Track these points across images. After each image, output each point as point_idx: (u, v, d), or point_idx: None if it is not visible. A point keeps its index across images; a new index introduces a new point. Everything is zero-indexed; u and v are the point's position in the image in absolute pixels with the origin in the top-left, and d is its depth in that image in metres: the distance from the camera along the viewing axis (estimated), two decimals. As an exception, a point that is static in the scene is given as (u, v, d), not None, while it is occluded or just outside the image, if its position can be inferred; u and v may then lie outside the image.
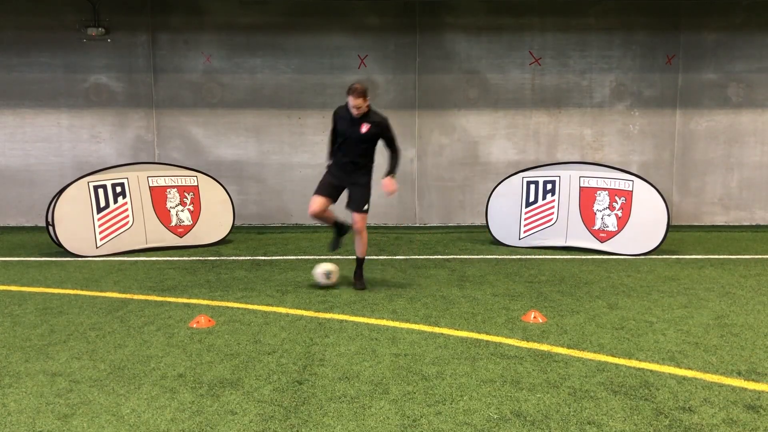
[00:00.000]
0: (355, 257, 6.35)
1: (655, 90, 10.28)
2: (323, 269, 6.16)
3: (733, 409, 3.48)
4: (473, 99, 10.27)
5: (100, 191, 7.79)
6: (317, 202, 6.02)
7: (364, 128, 5.91)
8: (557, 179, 8.17)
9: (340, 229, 6.33)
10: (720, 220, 10.49)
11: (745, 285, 6.29)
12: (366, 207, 6.05)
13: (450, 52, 10.19)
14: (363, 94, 5.78)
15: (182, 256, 7.74)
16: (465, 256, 7.74)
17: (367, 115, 5.92)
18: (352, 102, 5.80)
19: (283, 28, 10.08)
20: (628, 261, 7.43)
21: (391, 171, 6.04)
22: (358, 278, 6.25)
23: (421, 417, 3.39)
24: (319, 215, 6.08)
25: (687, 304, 5.60)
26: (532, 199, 8.28)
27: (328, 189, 6.08)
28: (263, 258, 7.67)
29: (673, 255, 7.78)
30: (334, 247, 6.45)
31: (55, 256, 7.68)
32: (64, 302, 5.67)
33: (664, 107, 10.32)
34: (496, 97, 10.27)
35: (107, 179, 7.88)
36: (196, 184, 8.46)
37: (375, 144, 6.04)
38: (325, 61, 10.14)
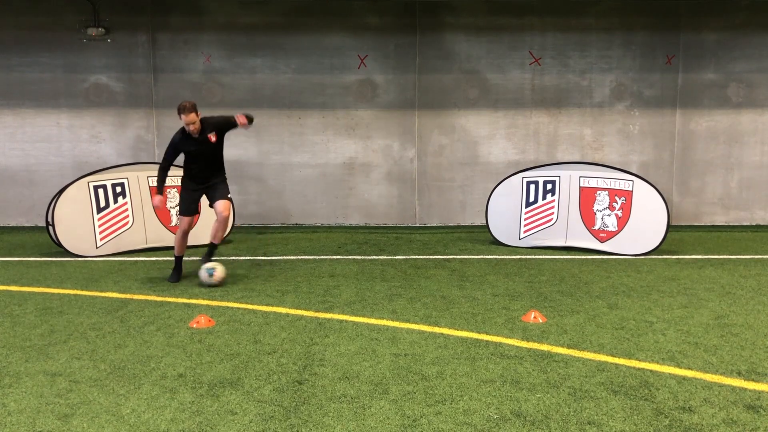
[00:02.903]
0: (209, 244, 6.46)
1: (655, 90, 10.29)
2: (206, 267, 6.21)
3: (733, 409, 3.48)
4: (473, 99, 10.27)
5: (100, 191, 7.79)
6: (188, 221, 6.35)
7: (213, 138, 6.18)
8: (557, 179, 8.17)
9: (179, 266, 6.52)
10: (720, 220, 10.49)
11: (745, 285, 6.29)
12: (229, 195, 6.47)
13: (450, 52, 10.19)
14: (193, 108, 6.01)
15: (182, 256, 7.73)
16: (465, 256, 7.74)
17: (205, 126, 6.15)
18: (185, 119, 5.98)
19: (283, 28, 10.08)
20: (628, 261, 7.43)
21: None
22: (205, 260, 6.37)
23: (421, 417, 3.39)
24: (187, 235, 6.40)
25: (687, 304, 5.60)
26: (532, 199, 8.28)
27: (194, 205, 6.41)
28: (263, 258, 7.67)
29: (673, 255, 7.78)
30: (177, 279, 6.47)
31: (55, 256, 7.68)
32: (64, 302, 5.67)
33: (664, 107, 10.32)
34: (496, 97, 10.27)
35: (107, 179, 7.88)
36: (196, 184, 8.45)
37: (223, 144, 6.35)
38: (325, 61, 10.14)
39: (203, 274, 6.19)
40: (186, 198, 6.37)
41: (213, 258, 6.41)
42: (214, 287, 6.16)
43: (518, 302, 5.64)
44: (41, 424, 3.32)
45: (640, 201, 7.69)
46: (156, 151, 10.13)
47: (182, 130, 6.15)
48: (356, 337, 4.69)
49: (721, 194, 10.44)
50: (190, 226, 6.43)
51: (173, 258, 6.55)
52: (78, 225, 7.61)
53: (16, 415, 3.42)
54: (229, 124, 6.24)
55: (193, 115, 5.97)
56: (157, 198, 6.24)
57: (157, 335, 4.75)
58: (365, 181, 10.33)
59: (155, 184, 6.49)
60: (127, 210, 7.95)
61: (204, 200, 6.50)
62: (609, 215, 7.87)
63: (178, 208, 8.26)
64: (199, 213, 6.54)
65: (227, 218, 6.33)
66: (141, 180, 8.10)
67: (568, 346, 4.48)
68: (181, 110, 5.97)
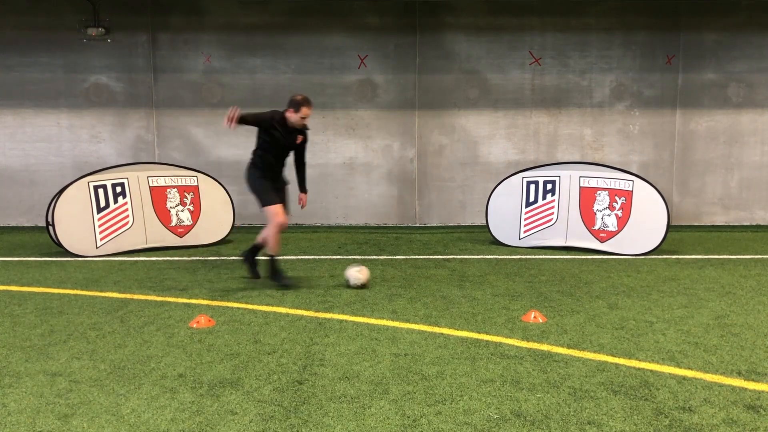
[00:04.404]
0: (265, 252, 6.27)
1: (655, 90, 10.29)
2: (355, 275, 6.11)
3: (733, 409, 3.48)
4: (473, 99, 10.27)
5: (100, 191, 7.79)
6: (280, 209, 6.00)
7: (300, 139, 6.13)
8: (557, 179, 8.17)
9: (255, 255, 6.35)
10: (720, 220, 10.49)
11: (745, 285, 6.29)
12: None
13: (450, 52, 10.19)
14: (312, 105, 6.01)
15: (182, 256, 7.73)
16: (465, 256, 7.74)
17: (303, 128, 6.13)
18: (306, 112, 5.91)
19: (283, 28, 10.08)
20: (628, 261, 7.43)
21: (305, 182, 6.35)
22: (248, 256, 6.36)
23: (421, 417, 3.39)
24: (281, 228, 6.01)
25: (687, 304, 5.60)
26: (532, 199, 8.28)
27: (278, 191, 6.15)
28: (263, 258, 7.66)
29: (673, 255, 7.78)
30: (257, 274, 6.35)
31: (55, 256, 7.68)
32: (64, 302, 5.67)
33: (664, 107, 10.32)
34: (496, 97, 10.27)
35: (107, 179, 7.88)
36: (196, 184, 8.46)
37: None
38: (325, 61, 10.14)
39: (353, 280, 6.11)
40: (263, 184, 6.01)
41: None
42: (360, 288, 6.10)
43: (518, 302, 5.64)
44: (41, 424, 3.32)
45: (640, 201, 7.69)
46: (156, 151, 10.13)
47: (282, 116, 5.98)
48: (356, 337, 4.69)
49: (721, 194, 10.44)
50: (285, 216, 6.00)
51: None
52: (78, 225, 7.61)
53: (16, 415, 3.42)
54: (305, 146, 6.27)
55: (311, 110, 5.96)
56: (232, 109, 5.58)
57: (157, 335, 4.75)
58: (365, 181, 10.33)
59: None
60: (127, 210, 7.95)
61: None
62: (609, 215, 7.87)
63: (179, 207, 8.32)
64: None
65: (285, 226, 6.08)
66: (141, 180, 8.10)
67: (568, 346, 4.48)
68: (303, 103, 5.86)
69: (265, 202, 5.95)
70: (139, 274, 6.78)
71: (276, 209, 5.91)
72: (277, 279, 6.15)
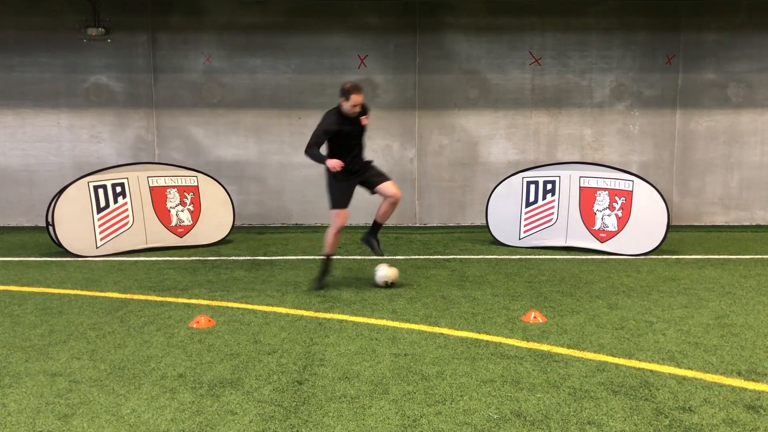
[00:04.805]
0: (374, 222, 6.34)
1: (655, 90, 10.29)
2: (383, 275, 6.11)
3: (733, 409, 3.48)
4: (473, 99, 10.27)
5: (100, 191, 7.79)
6: (345, 214, 6.06)
7: (365, 120, 6.03)
8: (557, 179, 8.17)
9: (328, 268, 6.27)
10: (720, 220, 10.49)
11: (745, 285, 6.29)
12: None
13: (450, 52, 10.19)
14: (362, 90, 5.94)
15: (182, 256, 7.74)
16: (465, 256, 7.74)
17: (361, 110, 6.03)
18: (357, 99, 5.83)
19: (283, 28, 10.08)
20: (628, 261, 7.43)
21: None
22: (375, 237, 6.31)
23: (421, 417, 3.39)
24: (341, 231, 6.11)
25: (687, 304, 5.60)
26: (532, 199, 8.28)
27: (350, 195, 6.13)
28: (263, 258, 7.67)
29: (673, 255, 7.78)
30: (320, 285, 6.18)
31: (55, 256, 7.68)
32: (64, 302, 5.67)
33: (664, 107, 10.32)
34: (496, 97, 10.27)
35: (107, 179, 7.88)
36: (196, 184, 8.46)
37: None
38: (325, 61, 10.14)
39: (378, 279, 6.09)
40: (339, 188, 6.04)
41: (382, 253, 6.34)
42: (390, 287, 6.10)
43: (518, 302, 5.64)
44: (41, 424, 3.32)
45: (640, 201, 7.69)
46: (156, 151, 10.13)
47: (337, 112, 5.96)
48: (356, 337, 4.69)
49: (721, 194, 10.44)
50: (346, 220, 6.10)
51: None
52: (78, 225, 7.61)
53: (16, 415, 3.42)
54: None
55: (362, 96, 5.90)
56: (334, 161, 5.76)
57: (157, 335, 4.75)
58: (365, 181, 10.32)
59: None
60: (127, 210, 7.95)
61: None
62: (609, 215, 7.87)
63: (179, 207, 8.34)
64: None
65: (399, 198, 6.13)
66: (141, 180, 8.10)
67: (568, 346, 4.48)
68: (353, 90, 5.80)
69: (332, 204, 6.13)
70: (139, 274, 6.78)
71: (339, 212, 6.06)
72: (318, 281, 6.17)
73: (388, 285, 6.15)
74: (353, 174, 6.06)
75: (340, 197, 6.10)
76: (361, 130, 6.05)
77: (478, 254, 7.86)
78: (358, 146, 6.10)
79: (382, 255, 6.52)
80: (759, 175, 10.40)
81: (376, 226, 6.30)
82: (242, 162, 10.23)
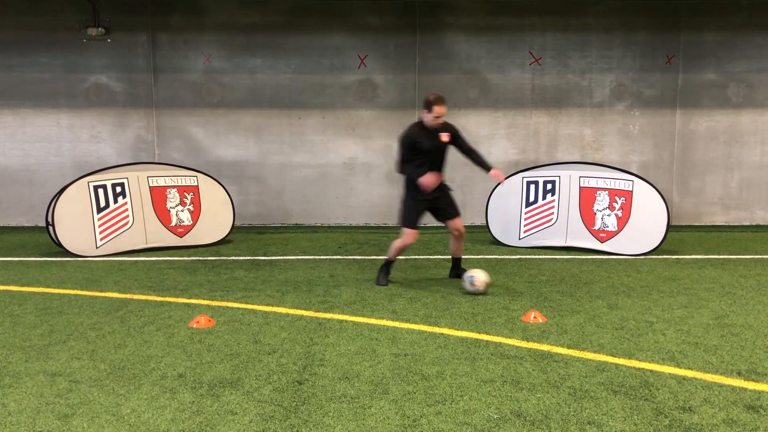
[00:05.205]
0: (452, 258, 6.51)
1: (655, 90, 10.29)
2: (467, 276, 5.97)
3: (733, 409, 3.48)
4: (473, 99, 10.27)
5: (100, 191, 7.79)
6: (414, 235, 6.06)
7: (446, 138, 5.96)
8: (557, 179, 8.17)
9: (389, 270, 6.34)
10: (720, 220, 10.48)
11: (745, 285, 6.29)
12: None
13: (450, 52, 10.19)
14: (445, 101, 5.86)
15: (182, 256, 7.74)
16: (465, 256, 7.74)
17: (444, 125, 5.98)
18: (440, 110, 5.77)
19: (283, 28, 10.08)
20: (628, 261, 7.43)
21: (486, 162, 6.18)
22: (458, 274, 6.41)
23: (421, 417, 3.39)
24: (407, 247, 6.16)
25: (687, 304, 5.60)
26: (532, 199, 8.28)
27: (420, 217, 6.11)
28: (263, 258, 7.67)
29: (673, 255, 7.78)
30: (385, 281, 6.29)
31: (55, 256, 7.68)
32: (64, 302, 5.67)
33: (664, 107, 10.32)
34: (496, 97, 10.27)
35: (107, 179, 7.88)
36: (196, 184, 8.46)
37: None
38: (325, 61, 10.14)
39: (466, 284, 5.95)
40: (412, 207, 6.02)
41: (464, 268, 6.31)
42: (480, 294, 5.91)
43: (518, 302, 5.64)
44: (41, 424, 3.32)
45: (640, 201, 7.69)
46: (156, 151, 10.13)
47: (419, 124, 5.96)
48: (356, 337, 4.69)
49: (721, 194, 10.44)
50: (416, 240, 6.19)
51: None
52: (78, 225, 7.61)
53: (16, 415, 3.42)
54: (461, 137, 6.09)
55: (446, 108, 5.84)
56: (429, 177, 5.77)
57: (157, 335, 4.75)
58: (365, 181, 10.33)
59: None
60: (127, 210, 7.96)
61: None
62: (609, 215, 7.87)
63: (179, 207, 8.33)
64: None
65: (464, 233, 6.25)
66: (141, 180, 8.10)
67: (568, 346, 4.48)
68: (436, 102, 5.74)
69: (404, 222, 6.12)
70: (139, 274, 6.78)
71: (411, 233, 6.05)
72: (381, 278, 6.29)
73: (479, 292, 5.91)
74: (429, 195, 5.97)
75: (412, 217, 6.06)
76: (443, 148, 5.98)
77: (478, 254, 7.86)
78: (438, 165, 6.00)
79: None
80: (759, 175, 10.40)
81: (457, 262, 6.46)
82: (242, 162, 10.23)
